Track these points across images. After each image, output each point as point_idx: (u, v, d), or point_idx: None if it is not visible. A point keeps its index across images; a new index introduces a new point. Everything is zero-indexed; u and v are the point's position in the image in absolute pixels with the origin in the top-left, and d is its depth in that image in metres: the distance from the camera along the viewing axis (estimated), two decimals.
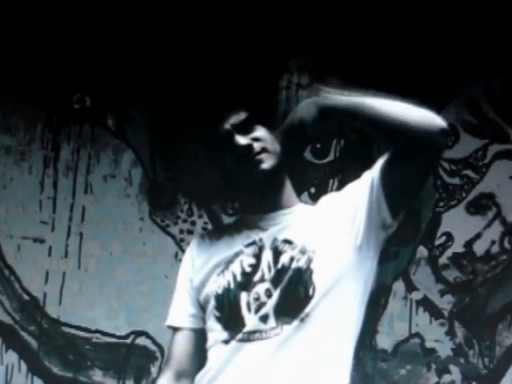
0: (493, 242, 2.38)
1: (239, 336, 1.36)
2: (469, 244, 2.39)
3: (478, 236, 2.39)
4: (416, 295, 2.39)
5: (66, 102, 2.62)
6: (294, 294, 1.36)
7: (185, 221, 2.54)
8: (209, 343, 1.45)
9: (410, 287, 2.40)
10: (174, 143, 2.52)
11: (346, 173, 2.41)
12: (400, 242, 2.36)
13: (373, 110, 1.33)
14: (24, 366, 2.56)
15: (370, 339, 2.38)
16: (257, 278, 1.40)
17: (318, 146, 2.46)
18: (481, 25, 2.36)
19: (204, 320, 1.48)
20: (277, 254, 1.41)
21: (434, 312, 2.38)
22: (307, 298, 1.35)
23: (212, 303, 1.44)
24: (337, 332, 1.37)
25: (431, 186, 2.40)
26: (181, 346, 1.51)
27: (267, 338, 1.34)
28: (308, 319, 1.34)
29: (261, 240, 1.44)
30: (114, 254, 2.55)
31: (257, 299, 1.38)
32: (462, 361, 2.36)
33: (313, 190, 2.44)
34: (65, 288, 2.57)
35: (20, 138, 2.64)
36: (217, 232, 1.61)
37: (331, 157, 2.47)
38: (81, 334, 2.54)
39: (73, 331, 2.55)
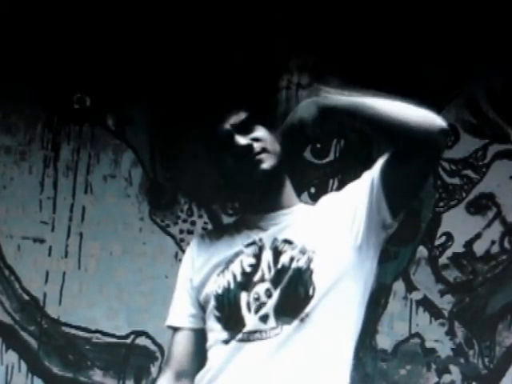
0: (493, 242, 2.38)
1: (239, 336, 1.36)
2: (469, 244, 2.39)
3: (477, 236, 2.39)
4: (416, 295, 2.39)
5: (66, 102, 2.62)
6: (294, 294, 1.36)
7: (185, 221, 2.54)
8: (209, 343, 1.45)
9: (410, 287, 2.40)
10: (174, 143, 2.52)
11: (346, 173, 2.41)
12: (400, 241, 2.36)
13: (373, 110, 1.33)
14: (24, 366, 2.56)
15: (370, 339, 2.38)
16: (257, 277, 1.40)
17: (318, 145, 2.46)
18: (481, 25, 2.36)
19: (204, 320, 1.48)
20: (277, 253, 1.41)
21: (434, 312, 2.38)
22: (307, 298, 1.35)
23: (212, 303, 1.44)
24: (337, 332, 1.37)
25: (431, 186, 2.40)
26: (181, 346, 1.51)
27: (267, 338, 1.34)
28: (308, 319, 1.34)
29: (261, 240, 1.44)
30: (114, 254, 2.55)
31: (257, 299, 1.38)
32: (462, 361, 2.36)
33: (313, 190, 2.44)
34: (65, 288, 2.57)
35: (20, 138, 2.64)
36: (217, 232, 1.61)
37: (331, 157, 2.47)
38: (81, 333, 2.54)
39: (73, 331, 2.55)
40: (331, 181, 2.46)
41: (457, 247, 2.40)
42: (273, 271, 1.39)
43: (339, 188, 1.53)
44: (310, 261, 1.37)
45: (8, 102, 2.62)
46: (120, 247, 2.55)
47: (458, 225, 2.40)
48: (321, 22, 2.43)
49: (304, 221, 1.45)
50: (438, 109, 1.49)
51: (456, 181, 2.41)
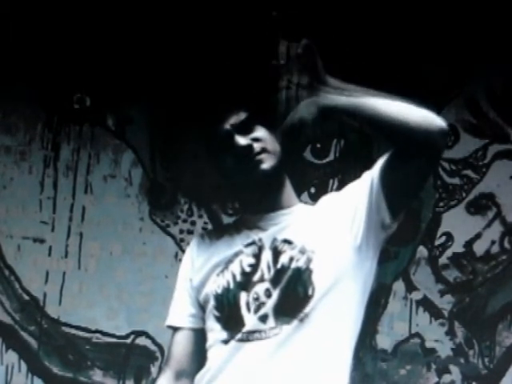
0: (493, 242, 2.38)
1: (239, 336, 1.36)
2: (469, 244, 2.39)
3: (478, 236, 2.39)
4: (416, 295, 2.40)
5: (66, 102, 2.62)
6: (294, 294, 1.36)
7: (185, 221, 2.54)
8: (208, 343, 1.45)
9: (410, 287, 2.40)
10: (174, 143, 2.53)
11: (346, 173, 2.41)
12: (400, 242, 2.36)
13: (373, 110, 1.32)
14: (24, 366, 2.56)
15: (370, 339, 2.38)
16: (256, 277, 1.40)
17: (318, 145, 2.46)
18: (481, 25, 2.36)
19: (204, 320, 1.48)
20: (276, 253, 1.40)
21: (434, 312, 2.38)
22: (307, 298, 1.35)
23: (211, 303, 1.44)
24: (337, 332, 1.37)
25: (431, 186, 2.40)
26: (181, 345, 1.51)
27: (266, 338, 1.34)
28: (307, 319, 1.34)
29: (260, 240, 1.44)
30: (114, 254, 2.56)
31: (256, 299, 1.38)
32: (462, 361, 2.36)
33: (313, 190, 2.44)
34: (65, 288, 2.57)
35: (20, 138, 2.64)
36: (217, 232, 1.61)
37: (331, 157, 2.47)
38: (81, 334, 2.54)
39: (73, 331, 2.55)
40: (331, 181, 2.46)
41: (457, 247, 2.40)
42: (272, 271, 1.39)
43: (339, 188, 1.53)
44: (309, 261, 1.37)
45: (8, 102, 2.62)
46: (120, 247, 2.55)
47: (458, 225, 2.40)
48: (321, 22, 2.43)
49: (304, 221, 1.45)
50: (437, 109, 1.49)
51: (456, 181, 2.42)
